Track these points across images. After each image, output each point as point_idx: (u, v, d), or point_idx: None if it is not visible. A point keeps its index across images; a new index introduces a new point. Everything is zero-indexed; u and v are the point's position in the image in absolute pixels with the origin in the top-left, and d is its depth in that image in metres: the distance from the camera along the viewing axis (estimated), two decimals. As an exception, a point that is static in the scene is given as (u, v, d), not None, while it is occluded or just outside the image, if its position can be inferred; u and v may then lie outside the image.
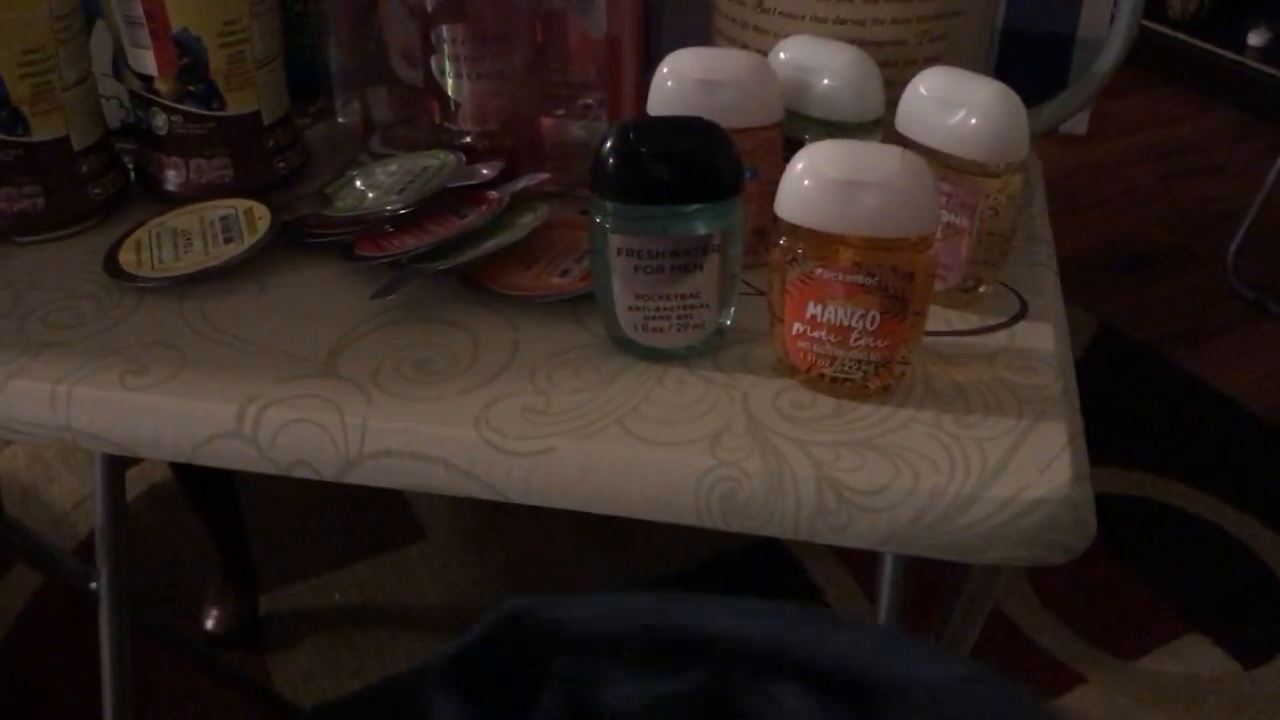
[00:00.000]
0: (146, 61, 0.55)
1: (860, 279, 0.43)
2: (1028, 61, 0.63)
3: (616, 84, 0.60)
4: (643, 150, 0.44)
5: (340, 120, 0.65)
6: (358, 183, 0.57)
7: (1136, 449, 1.54)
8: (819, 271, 0.43)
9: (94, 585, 0.96)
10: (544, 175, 0.56)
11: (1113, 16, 0.54)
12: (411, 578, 1.29)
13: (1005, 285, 0.52)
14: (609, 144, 0.44)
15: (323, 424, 0.45)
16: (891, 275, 0.42)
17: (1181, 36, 2.45)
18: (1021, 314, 0.51)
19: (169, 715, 1.13)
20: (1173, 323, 1.95)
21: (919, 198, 0.42)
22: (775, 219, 0.44)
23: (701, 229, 0.45)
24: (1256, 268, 1.95)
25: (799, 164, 0.43)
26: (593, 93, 0.62)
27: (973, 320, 0.50)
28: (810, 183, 0.42)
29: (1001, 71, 0.58)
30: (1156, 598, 1.27)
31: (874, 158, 0.42)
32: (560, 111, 0.62)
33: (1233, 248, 1.96)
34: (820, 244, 0.43)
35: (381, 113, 0.64)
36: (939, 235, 0.44)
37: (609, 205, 0.45)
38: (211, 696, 1.15)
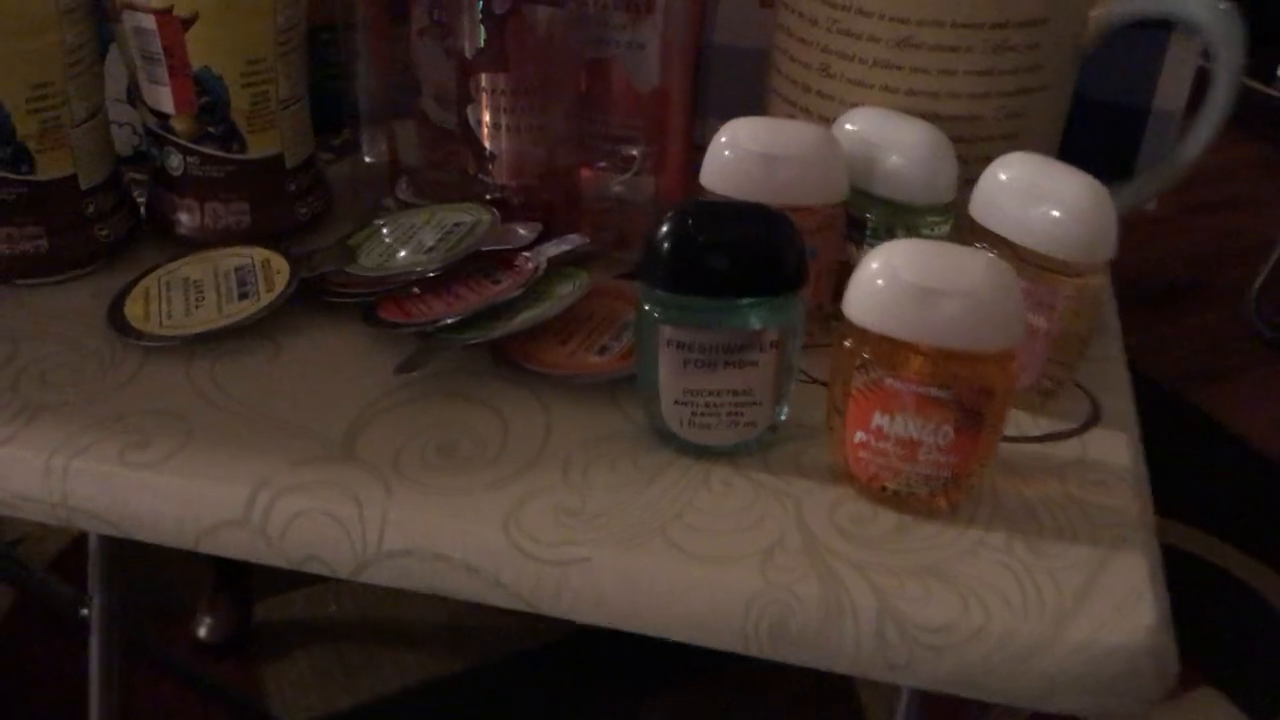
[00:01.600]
0: (163, 99, 0.51)
1: (934, 392, 0.39)
2: (1096, 132, 0.59)
3: (663, 139, 0.57)
4: (700, 239, 0.40)
5: (367, 159, 0.61)
6: (384, 236, 0.53)
7: (1152, 492, 1.51)
8: (888, 381, 0.39)
9: (84, 613, 0.93)
10: (582, 239, 0.52)
11: (1205, 94, 0.50)
12: (408, 594, 1.26)
13: (1077, 384, 0.48)
14: (664, 228, 0.40)
15: (339, 517, 0.41)
16: (968, 390, 0.39)
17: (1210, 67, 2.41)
18: (1094, 418, 0.47)
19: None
20: (1190, 360, 1.91)
21: (1004, 309, 0.38)
22: (842, 315, 0.40)
23: (759, 324, 0.41)
24: (1278, 305, 1.92)
25: (874, 263, 0.39)
26: (637, 146, 0.58)
27: (1043, 424, 0.47)
28: (885, 285, 0.38)
29: (1067, 142, 0.55)
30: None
31: (957, 262, 0.38)
32: (602, 164, 0.58)
33: (1256, 285, 1.92)
34: (891, 351, 0.39)
35: (410, 155, 0.60)
36: (1018, 343, 0.40)
37: (660, 294, 0.41)
38: (198, 713, 1.12)
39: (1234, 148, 2.44)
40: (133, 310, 0.49)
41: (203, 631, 1.22)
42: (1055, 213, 0.43)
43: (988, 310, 0.38)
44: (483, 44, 0.52)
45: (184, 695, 1.13)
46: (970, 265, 0.38)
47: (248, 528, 0.41)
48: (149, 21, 0.49)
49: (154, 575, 1.25)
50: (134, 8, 0.49)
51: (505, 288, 0.49)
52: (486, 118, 0.54)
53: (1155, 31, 0.57)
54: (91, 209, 0.52)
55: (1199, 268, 2.09)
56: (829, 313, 0.48)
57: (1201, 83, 0.54)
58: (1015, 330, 0.38)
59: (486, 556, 0.40)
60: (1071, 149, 0.56)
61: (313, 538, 0.41)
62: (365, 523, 0.41)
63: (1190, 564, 1.35)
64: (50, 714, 1.09)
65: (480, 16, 0.51)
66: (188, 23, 0.49)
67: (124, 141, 0.59)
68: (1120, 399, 0.48)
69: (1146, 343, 1.89)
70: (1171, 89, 0.58)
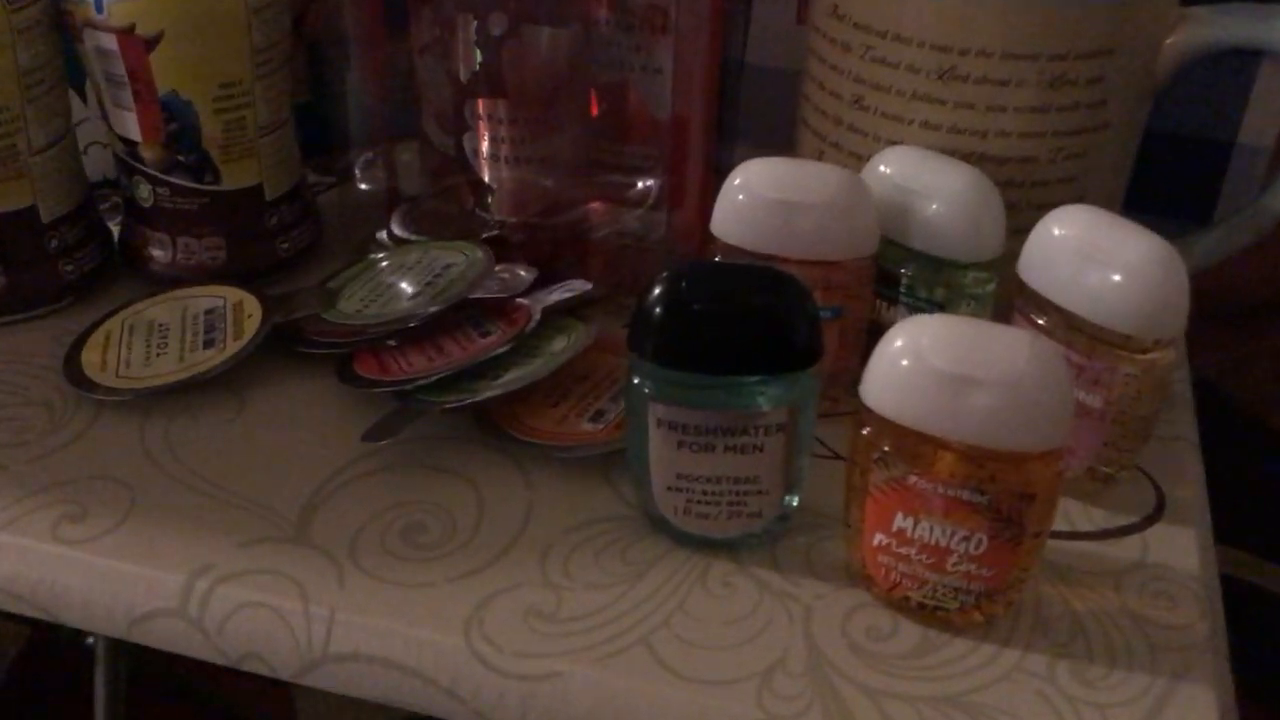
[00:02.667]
0: (129, 125, 0.47)
1: (966, 494, 0.33)
2: (1171, 169, 0.53)
3: (680, 170, 0.51)
4: (696, 307, 0.35)
5: (361, 186, 0.56)
6: (370, 277, 0.48)
7: (1226, 521, 1.42)
8: (912, 479, 0.34)
9: (90, 641, 0.90)
10: (584, 285, 0.47)
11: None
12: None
13: (1139, 469, 0.42)
14: (655, 292, 0.35)
15: (283, 611, 0.36)
16: (1006, 494, 0.33)
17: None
18: (1158, 512, 0.41)
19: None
20: (1272, 383, 1.81)
21: (1050, 402, 0.32)
22: (862, 405, 0.35)
23: (765, 405, 0.36)
24: (1369, 331, 1.81)
25: (897, 342, 0.33)
26: (652, 178, 0.52)
27: (1097, 517, 0.40)
28: (910, 369, 0.33)
29: (1138, 180, 0.48)
30: (1246, 697, 1.15)
31: (995, 347, 0.32)
32: (611, 198, 0.53)
33: (1346, 306, 1.81)
34: (916, 446, 0.33)
35: (411, 183, 0.55)
36: (1069, 435, 0.34)
37: (651, 367, 0.36)
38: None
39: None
40: (89, 358, 0.45)
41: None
42: (1117, 278, 0.37)
43: (1031, 404, 0.32)
44: (478, 68, 0.47)
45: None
46: (1012, 349, 0.32)
47: (184, 618, 0.37)
48: (110, 41, 0.45)
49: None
50: (94, 26, 0.45)
51: (492, 341, 0.44)
52: (484, 147, 0.49)
53: (1242, 58, 0.50)
54: (54, 243, 0.48)
55: (1277, 286, 1.99)
56: (855, 377, 0.42)
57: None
58: (1060, 427, 0.32)
59: (443, 666, 0.35)
60: (1142, 188, 0.50)
61: (253, 633, 0.36)
62: (311, 620, 0.36)
63: (1271, 601, 1.27)
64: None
65: (475, 38, 0.46)
66: (151, 43, 0.44)
67: (107, 162, 0.55)
68: (1189, 488, 0.42)
69: (1227, 362, 1.79)
70: (1259, 122, 0.51)
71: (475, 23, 0.46)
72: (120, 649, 0.88)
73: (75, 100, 0.51)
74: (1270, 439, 1.65)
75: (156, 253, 0.50)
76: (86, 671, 0.91)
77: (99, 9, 0.44)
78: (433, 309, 0.44)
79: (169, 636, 0.37)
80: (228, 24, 0.45)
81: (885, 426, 0.34)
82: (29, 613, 0.38)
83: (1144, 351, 0.37)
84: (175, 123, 0.46)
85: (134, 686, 0.93)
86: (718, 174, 0.52)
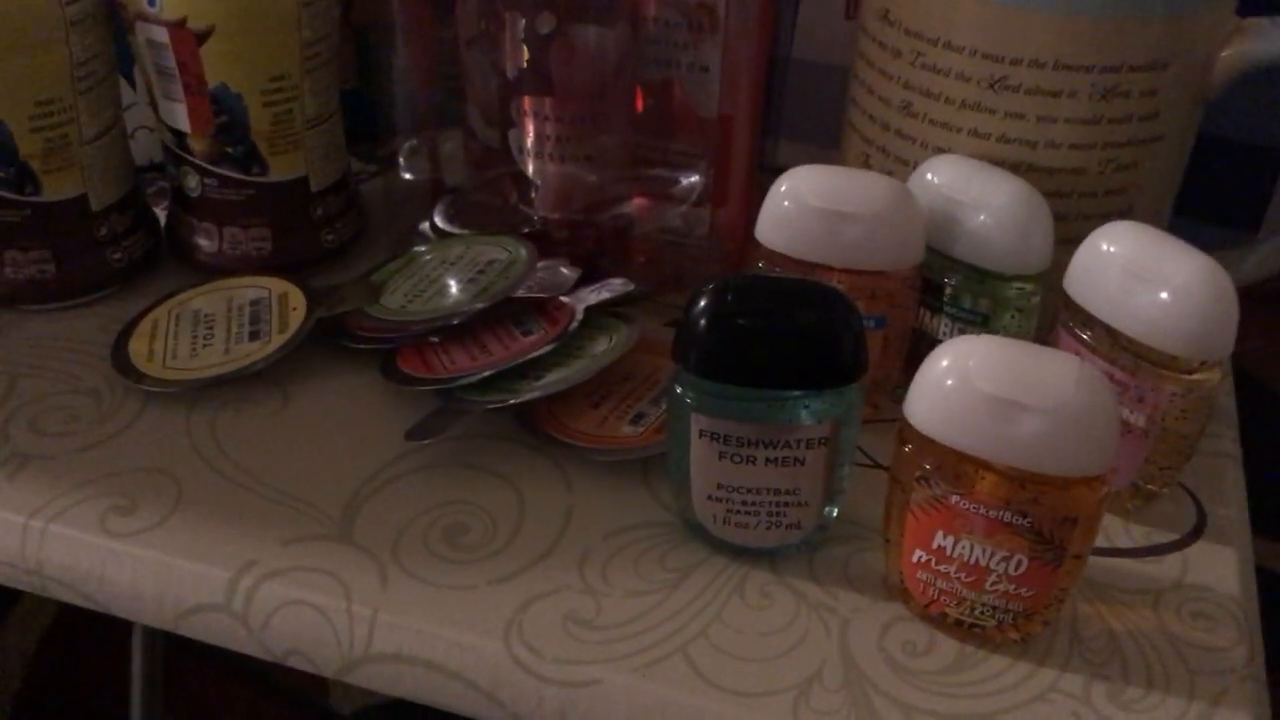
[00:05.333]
0: (179, 116, 0.47)
1: (1007, 516, 0.33)
2: (1222, 175, 0.52)
3: (725, 167, 0.51)
4: (742, 321, 0.35)
5: (405, 176, 0.56)
6: (413, 271, 0.49)
7: (1268, 515, 1.40)
8: (953, 498, 0.34)
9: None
10: (627, 285, 0.47)
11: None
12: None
13: (1181, 485, 0.42)
14: (700, 304, 0.35)
15: (326, 610, 0.37)
16: (1048, 517, 0.33)
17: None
18: (1199, 530, 0.41)
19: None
20: (1312, 370, 1.79)
21: (1096, 429, 0.32)
22: (905, 422, 0.35)
23: (808, 419, 0.36)
24: None
25: (943, 362, 0.33)
26: (696, 174, 0.52)
27: (1137, 534, 0.40)
28: (956, 390, 0.33)
29: (1188, 184, 0.48)
30: None
31: (1042, 371, 0.32)
32: (655, 195, 0.52)
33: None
34: (959, 466, 0.33)
35: (454, 173, 0.55)
36: (1113, 459, 0.34)
37: (694, 379, 0.36)
38: (247, 709, 1.11)
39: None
40: (136, 347, 0.46)
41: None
42: (1165, 297, 0.36)
43: (1077, 430, 0.32)
44: (525, 65, 0.47)
45: (233, 690, 1.11)
46: (1059, 375, 0.32)
47: (229, 614, 0.38)
48: (162, 34, 0.45)
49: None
50: (146, 19, 0.45)
51: (535, 341, 0.44)
52: (529, 144, 0.49)
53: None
54: (104, 231, 0.48)
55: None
56: (897, 384, 0.43)
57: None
58: (1106, 451, 0.32)
59: (483, 670, 0.35)
60: (1191, 193, 0.49)
61: (297, 631, 0.37)
62: (354, 619, 0.37)
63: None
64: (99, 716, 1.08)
65: (523, 35, 0.46)
66: (203, 36, 0.45)
67: (153, 147, 0.56)
68: (1231, 506, 0.42)
69: (1264, 349, 1.77)
70: (1313, 130, 0.51)
71: (523, 20, 0.46)
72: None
73: (123, 84, 0.52)
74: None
75: (203, 242, 0.50)
76: (122, 634, 0.93)
77: (151, 2, 0.44)
78: (477, 306, 0.44)
79: (215, 631, 0.38)
80: (278, 18, 0.45)
81: (928, 446, 0.34)
82: (79, 603, 0.39)
83: (1190, 372, 0.37)
84: (224, 115, 0.47)
85: (169, 649, 0.94)
86: (760, 170, 0.52)
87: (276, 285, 0.48)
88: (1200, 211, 0.52)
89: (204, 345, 0.45)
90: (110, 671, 1.06)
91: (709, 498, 0.37)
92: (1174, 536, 0.40)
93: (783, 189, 0.41)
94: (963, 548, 0.34)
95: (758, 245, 0.42)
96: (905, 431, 0.34)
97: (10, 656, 1.08)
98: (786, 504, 0.37)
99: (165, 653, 0.92)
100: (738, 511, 0.37)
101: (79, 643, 1.10)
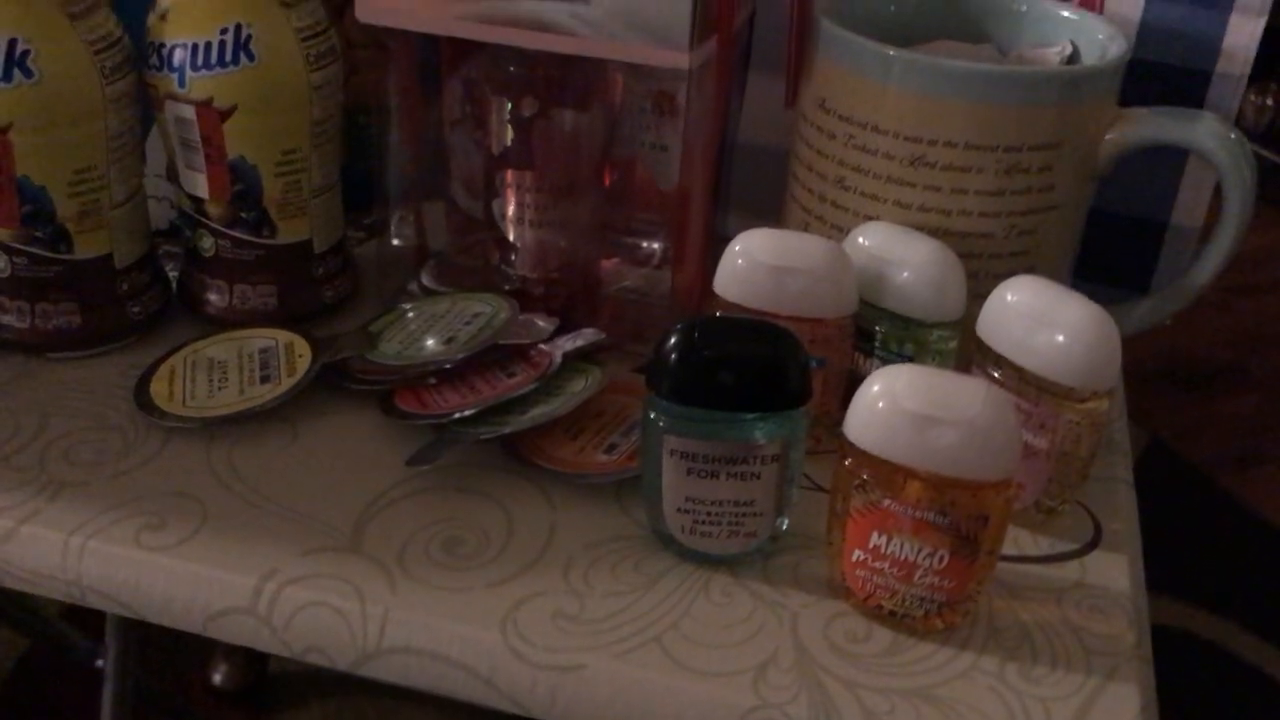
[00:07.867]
0: (199, 185, 0.53)
1: (930, 516, 0.39)
2: (1114, 245, 0.60)
3: (682, 235, 0.58)
4: (707, 353, 0.41)
5: (395, 242, 0.62)
6: (406, 322, 0.54)
7: (1177, 577, 1.48)
8: (886, 502, 0.40)
9: (100, 664, 0.94)
10: (598, 334, 0.53)
11: (1218, 221, 0.51)
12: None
13: (1080, 504, 0.49)
14: (671, 341, 0.41)
15: (343, 611, 0.42)
16: (964, 516, 0.39)
17: (1253, 148, 2.40)
18: (1095, 541, 0.47)
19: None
20: (1224, 445, 1.89)
21: (1000, 440, 0.39)
22: (845, 439, 0.41)
23: (762, 438, 0.42)
24: (1319, 391, 1.90)
25: (875, 386, 0.40)
26: (657, 240, 0.59)
27: (1044, 544, 0.47)
28: (885, 410, 0.39)
29: (1085, 254, 0.55)
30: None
31: (956, 393, 0.39)
32: (621, 258, 0.59)
33: (1295, 370, 1.90)
34: (890, 474, 0.40)
35: (438, 239, 0.61)
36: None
37: (665, 404, 0.42)
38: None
39: (1275, 230, 2.42)
40: (158, 389, 0.51)
41: (218, 678, 1.23)
42: (1060, 339, 0.43)
43: (985, 440, 0.38)
44: (509, 143, 0.53)
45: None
46: (970, 395, 0.39)
47: (254, 616, 0.42)
48: (189, 112, 0.51)
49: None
50: (175, 98, 0.51)
51: (519, 381, 0.50)
52: (510, 212, 0.55)
53: (1174, 150, 0.57)
54: (125, 286, 0.54)
55: (1238, 350, 2.07)
56: (836, 420, 0.49)
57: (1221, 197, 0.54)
58: (1010, 460, 0.39)
59: (482, 658, 0.41)
60: (1090, 261, 0.57)
61: (316, 629, 0.42)
62: (367, 618, 0.42)
63: (1215, 655, 1.33)
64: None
65: (508, 117, 0.53)
66: (226, 114, 0.51)
67: (161, 215, 0.61)
68: (1123, 522, 0.48)
69: (1182, 424, 1.87)
70: (1190, 206, 0.59)
71: (509, 104, 0.52)
72: (129, 671, 0.92)
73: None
74: (1218, 497, 1.71)
75: (213, 297, 0.55)
76: (80, 692, 0.95)
77: (181, 84, 0.50)
78: (468, 352, 0.50)
79: (241, 632, 0.43)
80: (292, 99, 0.52)
81: (864, 458, 0.40)
82: (116, 610, 0.44)
83: (1083, 401, 0.44)
84: (240, 184, 0.53)
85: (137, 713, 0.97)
86: (713, 239, 0.59)
87: (282, 335, 0.54)
88: (1098, 276, 0.60)
89: (220, 388, 0.51)
90: (72, 733, 1.07)
91: (678, 510, 0.43)
92: (1074, 546, 0.47)
93: (737, 248, 0.48)
94: (894, 545, 0.40)
95: (716, 297, 0.48)
96: (845, 447, 0.41)
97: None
98: (745, 514, 0.43)
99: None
100: (703, 522, 0.43)
101: (41, 693, 1.12)
